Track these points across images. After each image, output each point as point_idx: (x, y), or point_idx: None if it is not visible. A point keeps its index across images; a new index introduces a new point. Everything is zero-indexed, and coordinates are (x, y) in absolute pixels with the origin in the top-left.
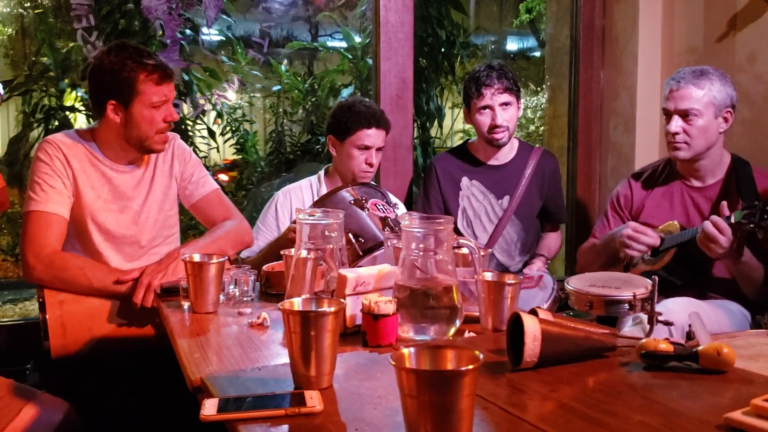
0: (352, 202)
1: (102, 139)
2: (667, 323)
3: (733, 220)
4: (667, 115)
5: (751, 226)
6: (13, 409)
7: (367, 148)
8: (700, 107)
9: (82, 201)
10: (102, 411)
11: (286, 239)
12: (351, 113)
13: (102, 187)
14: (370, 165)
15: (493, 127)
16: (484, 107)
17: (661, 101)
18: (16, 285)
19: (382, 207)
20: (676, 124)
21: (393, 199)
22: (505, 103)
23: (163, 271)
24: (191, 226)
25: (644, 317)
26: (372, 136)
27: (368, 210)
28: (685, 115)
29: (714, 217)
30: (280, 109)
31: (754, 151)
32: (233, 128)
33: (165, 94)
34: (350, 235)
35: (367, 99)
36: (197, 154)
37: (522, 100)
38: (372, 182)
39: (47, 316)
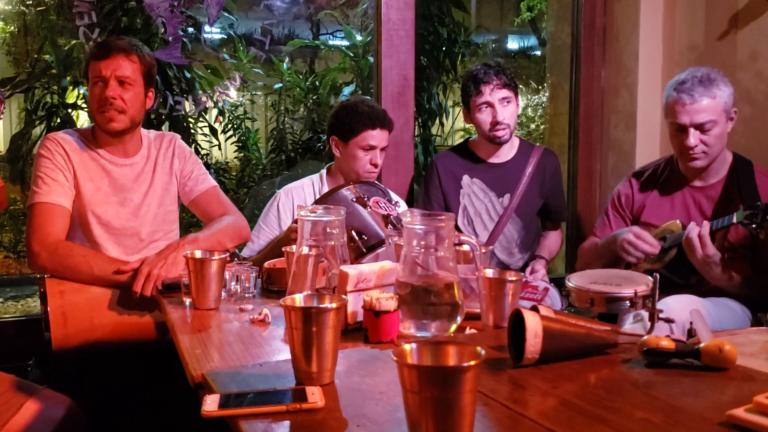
0: (354, 200)
1: (97, 132)
2: (668, 320)
3: (735, 220)
4: (681, 129)
5: (753, 226)
6: (15, 404)
7: (371, 148)
8: (716, 117)
9: (83, 193)
10: (104, 406)
11: (288, 239)
12: (355, 114)
13: (102, 180)
14: (375, 165)
15: (495, 124)
16: (484, 104)
17: (662, 101)
18: (18, 282)
19: (383, 205)
20: (695, 138)
21: (394, 197)
22: (505, 99)
23: (163, 261)
24: (192, 223)
25: (645, 314)
26: (376, 136)
27: (370, 208)
28: (701, 126)
29: (703, 229)
30: (282, 107)
31: (755, 149)
32: (235, 126)
33: (99, 69)
34: (353, 233)
35: (369, 99)
36: (199, 152)
37: (522, 99)
38: (373, 180)
39: (48, 306)
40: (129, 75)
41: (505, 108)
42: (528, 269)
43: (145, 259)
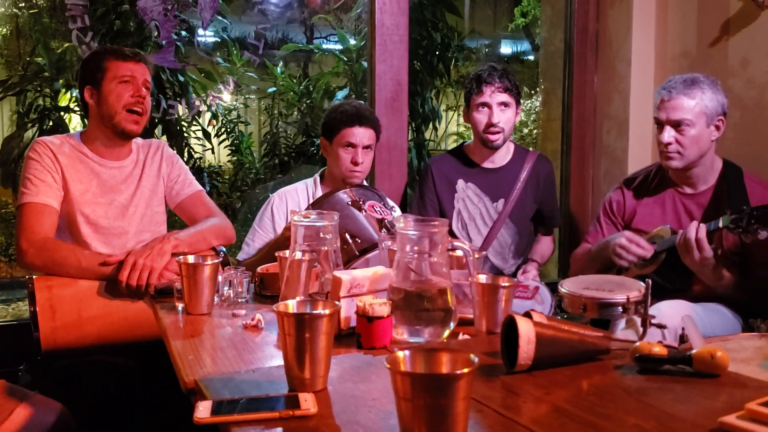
0: (350, 203)
1: (88, 135)
2: (660, 326)
3: (721, 224)
4: (659, 124)
5: (739, 231)
6: (6, 410)
7: (352, 146)
8: (692, 117)
9: (71, 194)
10: (95, 412)
11: (284, 239)
12: (336, 113)
13: (90, 182)
14: (355, 164)
15: (489, 126)
16: (482, 104)
17: (653, 107)
18: (10, 285)
19: (379, 209)
20: (669, 134)
21: (390, 202)
22: (504, 104)
23: (149, 251)
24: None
25: (637, 320)
26: (356, 134)
27: (365, 211)
28: (677, 125)
29: (700, 231)
30: (275, 111)
31: (745, 155)
32: (228, 130)
33: (131, 69)
34: (347, 235)
35: (359, 101)
36: (192, 156)
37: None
38: (367, 184)
39: (36, 298)
40: (150, 82)
41: (503, 112)
42: (519, 270)
43: (131, 250)
